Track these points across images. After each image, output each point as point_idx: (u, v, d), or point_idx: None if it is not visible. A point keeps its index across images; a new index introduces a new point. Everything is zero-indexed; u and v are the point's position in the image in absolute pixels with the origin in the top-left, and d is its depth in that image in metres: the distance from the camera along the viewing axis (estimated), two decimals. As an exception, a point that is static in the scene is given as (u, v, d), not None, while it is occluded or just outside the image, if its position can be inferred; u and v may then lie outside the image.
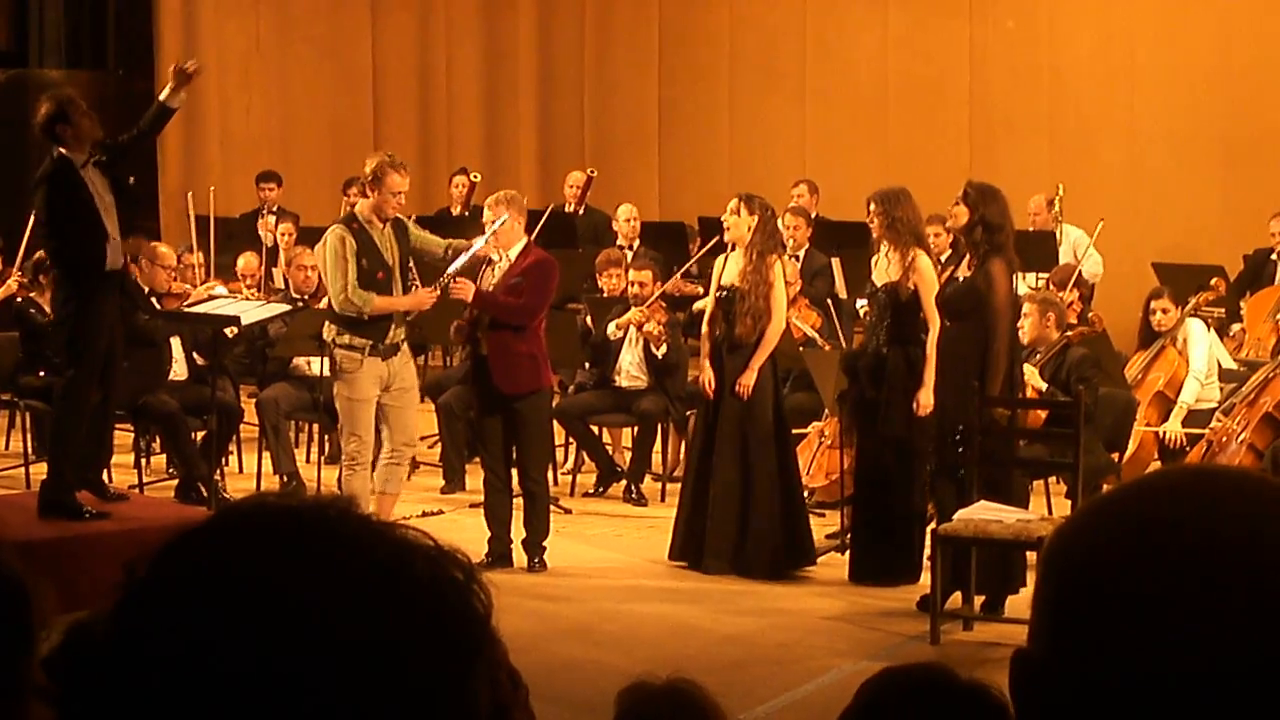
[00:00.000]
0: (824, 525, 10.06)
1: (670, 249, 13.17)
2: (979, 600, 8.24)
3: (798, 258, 12.16)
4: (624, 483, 11.15)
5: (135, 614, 1.13)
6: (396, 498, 9.26)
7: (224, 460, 11.12)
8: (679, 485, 9.88)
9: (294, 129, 17.66)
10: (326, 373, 9.67)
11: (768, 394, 9.21)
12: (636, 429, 11.29)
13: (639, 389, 11.11)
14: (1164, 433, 10.53)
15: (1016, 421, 8.86)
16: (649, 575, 9.23)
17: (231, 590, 1.11)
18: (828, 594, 8.86)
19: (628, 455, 11.44)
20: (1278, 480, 1.24)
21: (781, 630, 8.20)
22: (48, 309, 9.85)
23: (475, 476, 9.99)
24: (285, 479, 10.92)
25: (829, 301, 11.96)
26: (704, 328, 9.50)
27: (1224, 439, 10.22)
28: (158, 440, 11.35)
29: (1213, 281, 12.02)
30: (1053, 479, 10.17)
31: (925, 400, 8.77)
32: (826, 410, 10.71)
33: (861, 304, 10.12)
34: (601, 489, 11.26)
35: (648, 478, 11.27)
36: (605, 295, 11.76)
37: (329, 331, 9.08)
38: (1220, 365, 10.98)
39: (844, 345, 10.96)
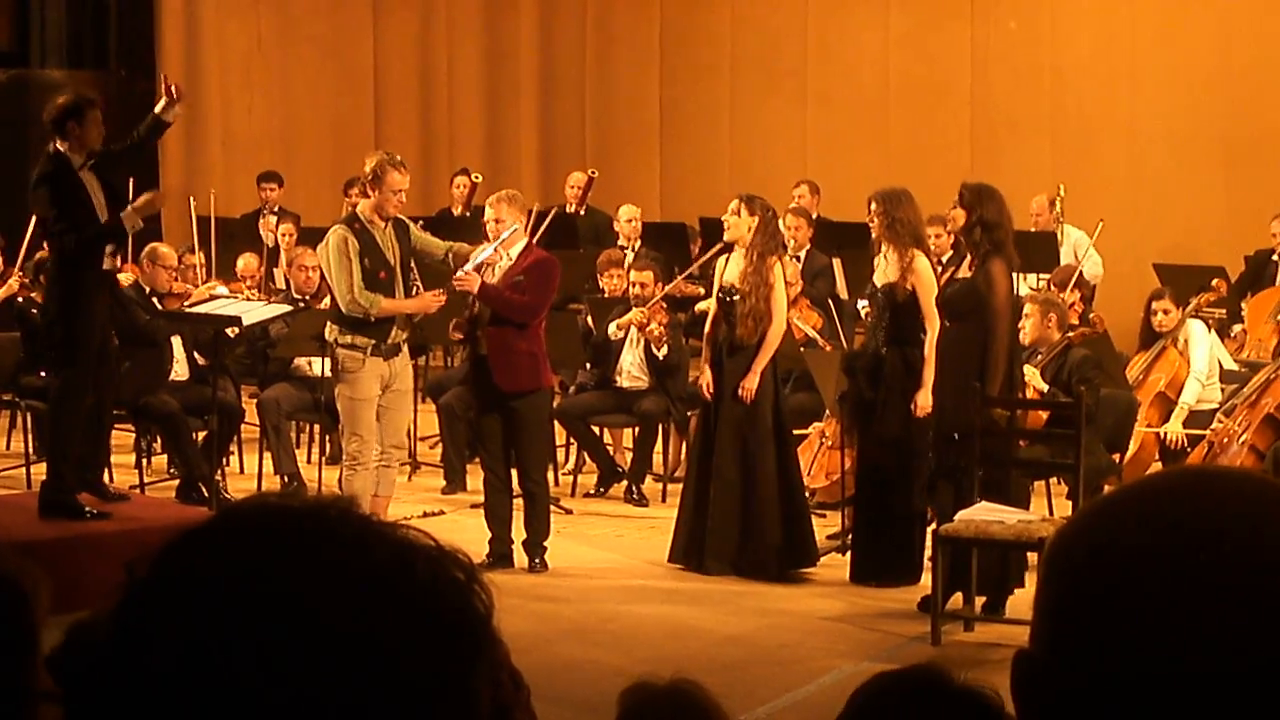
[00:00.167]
0: (825, 526, 10.06)
1: (671, 249, 13.16)
2: (980, 601, 8.24)
3: (799, 258, 12.16)
4: (625, 483, 11.15)
5: (137, 614, 1.13)
6: (389, 500, 9.27)
7: (225, 461, 11.12)
8: (680, 486, 9.88)
9: (295, 129, 17.67)
10: (328, 373, 9.69)
11: (768, 395, 9.20)
12: (637, 429, 11.29)
13: (640, 389, 11.11)
14: (1165, 434, 10.53)
15: (1017, 422, 8.86)
16: (650, 576, 9.23)
17: (233, 591, 1.11)
18: (828, 595, 8.86)
19: (629, 456, 11.44)
20: (1279, 481, 1.24)
21: (782, 631, 8.20)
22: (49, 309, 9.88)
23: (476, 477, 9.99)
24: (286, 479, 10.93)
25: (830, 302, 11.96)
26: (707, 329, 9.50)
27: (1225, 440, 10.22)
28: (159, 440, 11.36)
29: (1214, 282, 12.02)
30: (1054, 480, 10.17)
31: (923, 402, 8.77)
32: (827, 411, 10.71)
33: (862, 305, 10.11)
34: (602, 489, 11.26)
35: (649, 478, 11.26)
36: (606, 296, 11.76)
37: (331, 331, 9.09)
38: (1221, 366, 10.98)
39: (845, 346, 10.96)
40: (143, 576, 1.15)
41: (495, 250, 9.09)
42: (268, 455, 11.13)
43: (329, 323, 9.20)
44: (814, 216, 13.22)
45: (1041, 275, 12.56)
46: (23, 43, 16.93)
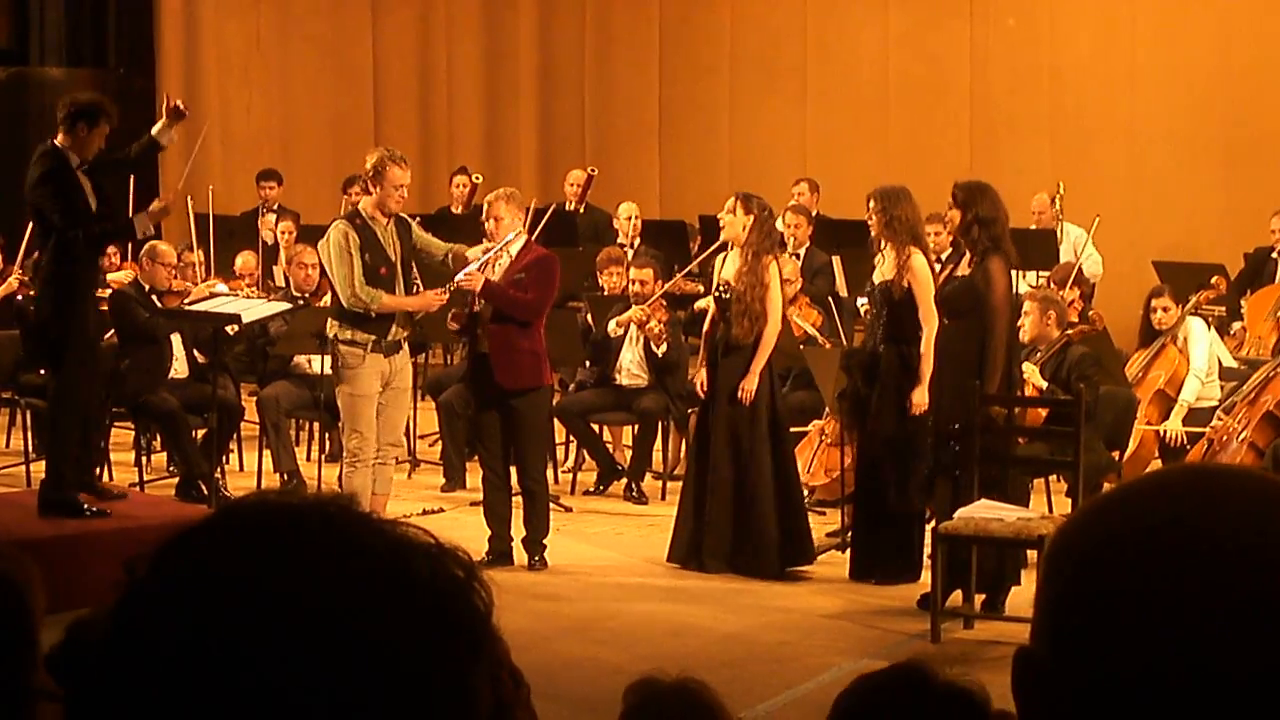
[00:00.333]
0: (825, 524, 10.06)
1: (671, 247, 13.17)
2: (979, 599, 8.24)
3: (798, 256, 12.17)
4: (624, 481, 11.16)
5: (136, 612, 1.13)
6: (388, 497, 9.28)
7: (224, 458, 11.12)
8: (680, 484, 9.87)
9: (294, 127, 17.67)
10: (327, 371, 9.69)
11: (764, 393, 9.20)
12: (637, 427, 11.29)
13: (639, 387, 11.11)
14: (1165, 431, 10.53)
15: (1016, 420, 8.86)
16: (649, 574, 9.23)
17: (232, 588, 1.11)
18: (828, 592, 8.86)
19: (628, 454, 11.44)
20: (1278, 478, 1.23)
21: (782, 629, 8.20)
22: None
23: (475, 475, 9.99)
24: (286, 477, 10.93)
25: (830, 300, 11.97)
26: (705, 328, 9.49)
27: (1225, 437, 10.22)
28: (158, 438, 11.36)
29: (1213, 280, 12.02)
30: (1053, 477, 10.17)
31: (919, 399, 8.76)
32: (827, 409, 10.71)
33: (862, 302, 10.12)
34: (602, 487, 11.26)
35: (648, 476, 11.27)
36: (606, 293, 11.76)
37: (332, 327, 9.10)
38: (1221, 363, 10.98)
39: (844, 343, 10.96)
40: (142, 575, 1.15)
41: (498, 251, 9.10)
42: (267, 453, 11.14)
43: (330, 319, 9.21)
44: (813, 214, 13.23)
45: (1041, 273, 12.56)
46: (22, 41, 16.93)
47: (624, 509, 10.85)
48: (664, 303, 11.13)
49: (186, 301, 11.11)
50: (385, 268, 8.95)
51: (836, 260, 12.51)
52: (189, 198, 13.98)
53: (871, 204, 8.99)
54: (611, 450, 11.53)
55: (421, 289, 9.29)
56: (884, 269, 8.96)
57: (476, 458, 9.84)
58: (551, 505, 9.61)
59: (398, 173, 8.98)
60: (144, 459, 11.14)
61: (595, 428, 11.42)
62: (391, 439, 9.26)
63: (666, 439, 11.48)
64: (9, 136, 14.92)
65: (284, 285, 12.75)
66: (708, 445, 9.23)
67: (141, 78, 16.85)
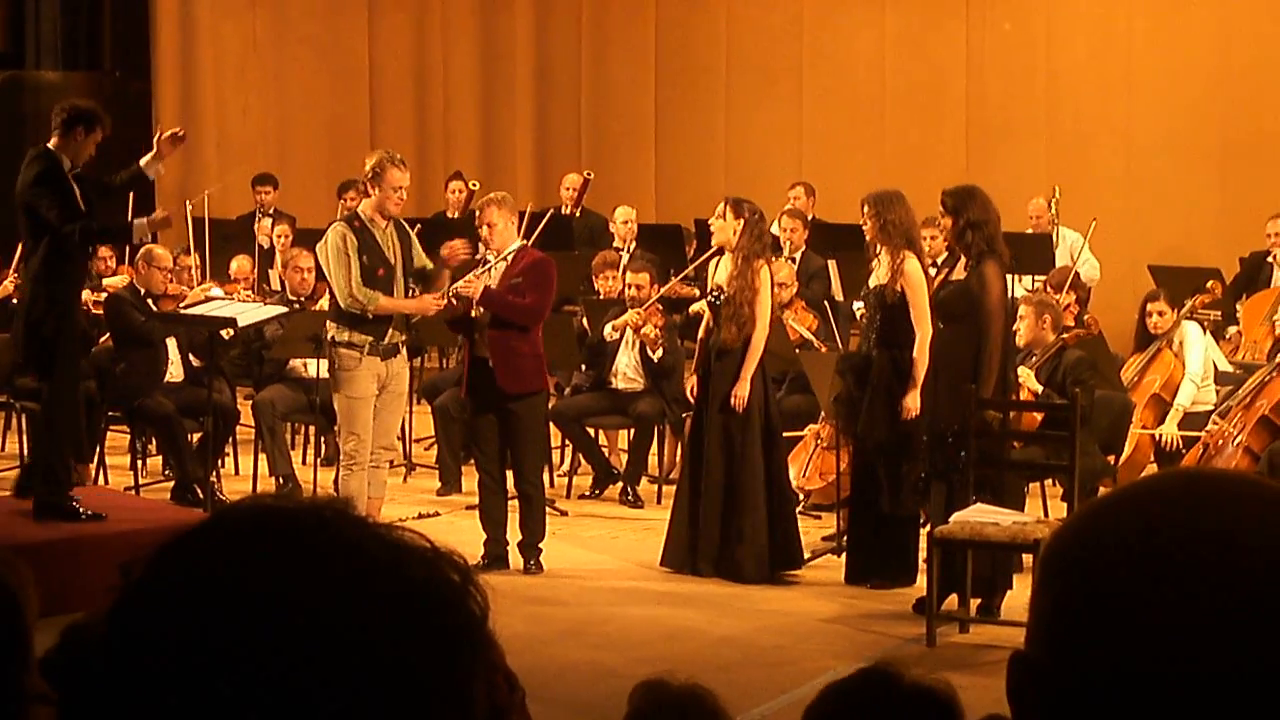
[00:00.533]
0: (820, 527, 10.06)
1: (667, 251, 13.17)
2: (975, 603, 8.24)
3: (794, 260, 12.17)
4: (620, 485, 11.15)
5: (131, 616, 1.13)
6: (382, 501, 9.28)
7: (220, 462, 11.12)
8: (674, 488, 9.87)
9: (290, 130, 17.67)
10: (323, 375, 9.69)
11: (757, 397, 9.19)
12: (633, 431, 11.28)
13: (635, 391, 11.11)
14: (1160, 435, 10.53)
15: (1011, 424, 8.86)
16: (645, 578, 9.23)
17: (227, 592, 1.11)
18: (823, 596, 8.86)
19: (624, 457, 11.43)
20: (1274, 483, 1.24)
21: (777, 632, 8.20)
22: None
23: (471, 479, 10.00)
24: (281, 481, 10.92)
25: (825, 304, 11.97)
26: (700, 333, 9.48)
27: (1220, 442, 10.22)
28: (154, 442, 11.35)
29: (1209, 284, 12.02)
30: (1049, 481, 10.17)
31: (911, 404, 8.74)
32: (823, 412, 10.71)
33: (858, 306, 10.12)
34: (597, 491, 11.26)
35: (644, 480, 11.26)
36: (601, 297, 11.76)
37: (329, 329, 9.11)
38: (1216, 368, 10.98)
39: (840, 347, 10.96)
40: (137, 578, 1.15)
41: (494, 265, 9.11)
42: (263, 457, 11.12)
43: (328, 320, 9.21)
44: (809, 218, 13.23)
45: (1037, 277, 12.57)
46: (18, 44, 16.93)
47: (620, 513, 10.85)
48: (659, 307, 11.13)
49: (182, 305, 11.10)
50: (383, 269, 8.95)
51: (832, 264, 12.51)
52: (186, 201, 14.00)
53: (865, 209, 8.98)
54: (607, 454, 11.53)
55: (418, 293, 9.30)
56: (879, 273, 8.96)
57: (472, 461, 9.84)
58: (547, 509, 9.60)
59: (397, 175, 9.00)
60: (139, 463, 11.13)
61: (591, 432, 11.42)
62: (385, 442, 9.27)
63: (662, 443, 11.47)
64: (5, 139, 14.91)
65: (279, 289, 12.75)
66: (702, 449, 9.23)
67: (137, 81, 16.85)
